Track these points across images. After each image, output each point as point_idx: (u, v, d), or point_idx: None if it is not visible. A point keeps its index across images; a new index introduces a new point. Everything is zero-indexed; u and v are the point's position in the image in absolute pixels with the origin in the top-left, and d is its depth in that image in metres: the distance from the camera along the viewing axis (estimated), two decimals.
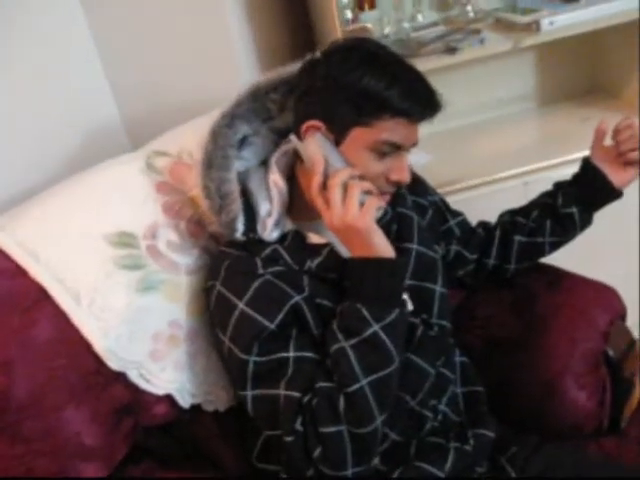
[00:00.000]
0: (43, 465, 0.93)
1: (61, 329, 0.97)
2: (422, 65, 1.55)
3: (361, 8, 1.76)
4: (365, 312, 0.92)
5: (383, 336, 0.92)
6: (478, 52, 1.64)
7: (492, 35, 1.70)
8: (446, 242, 1.26)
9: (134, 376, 1.02)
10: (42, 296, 0.97)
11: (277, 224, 1.03)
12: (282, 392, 0.93)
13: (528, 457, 1.09)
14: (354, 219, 0.92)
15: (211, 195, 1.02)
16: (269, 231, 1.02)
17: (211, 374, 1.10)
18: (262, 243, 1.02)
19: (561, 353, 1.21)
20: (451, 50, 1.61)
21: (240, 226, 1.02)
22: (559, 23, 1.62)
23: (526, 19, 1.66)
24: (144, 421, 1.05)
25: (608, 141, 1.21)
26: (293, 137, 1.00)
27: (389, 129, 0.96)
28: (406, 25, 1.81)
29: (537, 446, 1.11)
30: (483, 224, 1.33)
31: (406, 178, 1.01)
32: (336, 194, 0.93)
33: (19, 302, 0.96)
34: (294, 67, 1.07)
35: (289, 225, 1.05)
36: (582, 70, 2.09)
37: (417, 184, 1.24)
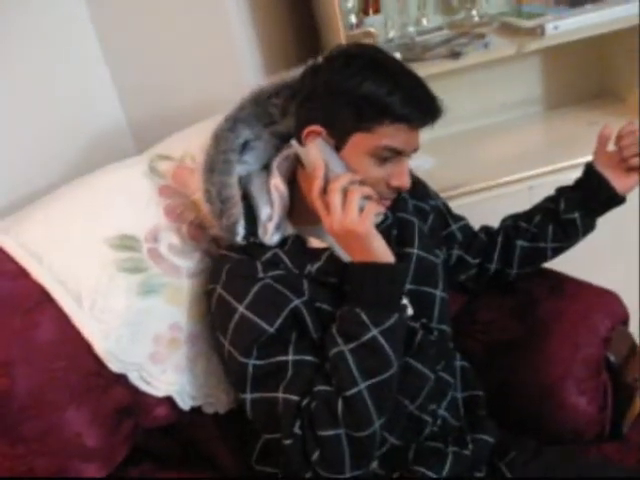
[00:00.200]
0: (43, 465, 0.94)
1: (62, 331, 0.98)
2: (426, 69, 1.57)
3: (366, 12, 1.77)
4: (364, 316, 0.93)
5: (382, 340, 0.92)
6: (482, 56, 1.64)
7: (496, 39, 1.70)
8: (448, 246, 1.26)
9: (134, 378, 1.03)
10: (44, 298, 0.98)
11: (278, 228, 1.04)
12: (281, 395, 0.93)
13: (527, 462, 1.09)
14: (353, 224, 0.93)
15: (212, 199, 1.02)
16: (270, 235, 1.03)
17: (212, 377, 1.10)
18: (263, 247, 1.03)
19: (562, 358, 1.20)
20: (455, 54, 1.61)
21: (241, 230, 1.02)
22: (564, 27, 1.62)
23: (530, 23, 1.66)
24: (144, 423, 1.05)
25: (611, 147, 1.21)
26: (294, 142, 1.00)
27: (390, 135, 0.96)
28: (411, 29, 1.82)
29: (536, 451, 1.11)
30: (485, 229, 1.33)
31: (406, 184, 1.01)
32: (336, 199, 0.94)
33: (21, 303, 0.97)
34: (297, 72, 1.07)
35: (290, 229, 1.06)
36: (589, 74, 2.08)
37: (419, 188, 1.24)
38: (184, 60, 1.52)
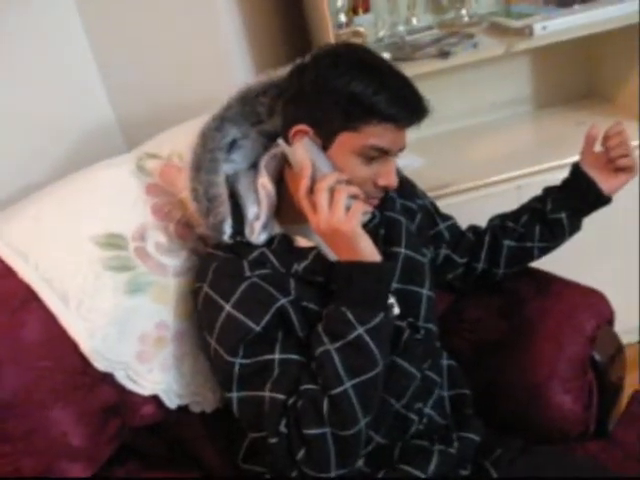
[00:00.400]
0: (29, 464, 0.94)
1: (49, 330, 0.98)
2: (416, 69, 1.58)
3: (355, 12, 1.77)
4: (350, 315, 0.93)
5: (367, 339, 0.92)
6: (471, 56, 1.64)
7: (485, 39, 1.71)
8: (435, 246, 1.27)
9: (121, 377, 1.03)
10: (30, 297, 0.98)
11: (265, 227, 1.04)
12: (267, 394, 0.94)
13: (513, 460, 1.10)
14: (340, 223, 0.93)
15: (199, 198, 1.02)
16: (257, 234, 1.03)
17: (198, 376, 1.10)
18: (249, 246, 1.03)
19: (548, 357, 1.21)
20: (444, 54, 1.62)
21: (227, 229, 1.02)
22: (552, 28, 1.62)
23: (519, 24, 1.66)
24: (131, 422, 1.05)
25: (598, 147, 1.21)
26: (281, 141, 1.00)
27: (376, 134, 0.96)
28: (400, 29, 1.82)
29: (522, 449, 1.12)
30: (473, 228, 1.33)
31: (393, 183, 1.01)
32: (323, 198, 0.94)
33: (7, 303, 0.97)
34: (284, 70, 1.07)
35: (277, 228, 1.06)
36: (577, 74, 2.09)
37: (406, 187, 1.25)
38: (174, 59, 1.52)
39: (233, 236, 1.03)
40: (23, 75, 1.30)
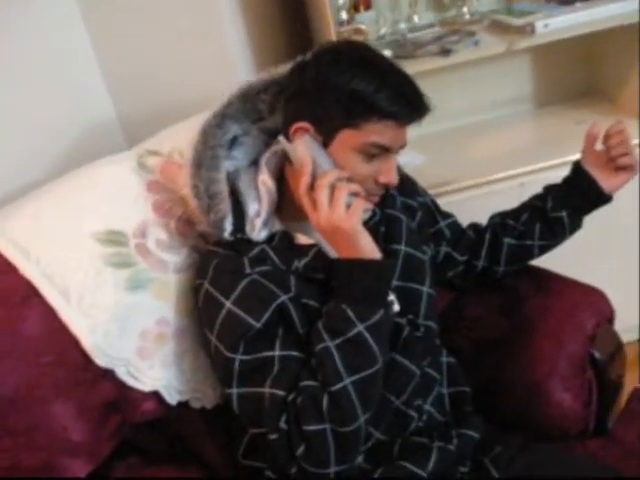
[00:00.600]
0: (29, 459, 0.94)
1: (50, 325, 0.98)
2: (417, 66, 1.58)
3: (357, 9, 1.77)
4: (350, 312, 0.93)
5: (367, 336, 0.92)
6: (472, 54, 1.64)
7: (487, 37, 1.71)
8: (436, 243, 1.27)
9: (122, 373, 1.03)
10: (31, 293, 0.99)
11: (265, 224, 1.04)
12: (267, 390, 0.94)
13: (512, 457, 1.10)
14: (340, 220, 0.93)
15: (200, 195, 1.03)
16: (257, 231, 1.03)
17: (199, 372, 1.11)
18: (250, 243, 1.03)
19: (548, 355, 1.21)
20: (445, 52, 1.62)
21: (228, 226, 1.03)
22: (554, 26, 1.62)
23: (520, 21, 1.66)
24: (131, 417, 1.06)
25: (599, 146, 1.21)
26: (282, 139, 1.00)
27: (377, 131, 0.96)
28: (402, 26, 1.82)
29: (522, 446, 1.12)
30: (474, 226, 1.34)
31: (394, 180, 1.02)
32: (323, 195, 0.94)
33: (8, 298, 0.97)
34: (285, 68, 1.07)
35: (277, 225, 1.06)
36: (578, 73, 2.09)
37: (407, 185, 1.25)
38: (174, 56, 1.52)
39: (234, 233, 1.03)
40: (23, 73, 1.30)
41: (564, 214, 1.23)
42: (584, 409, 1.21)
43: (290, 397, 0.93)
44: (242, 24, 1.63)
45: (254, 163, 1.12)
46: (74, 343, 0.99)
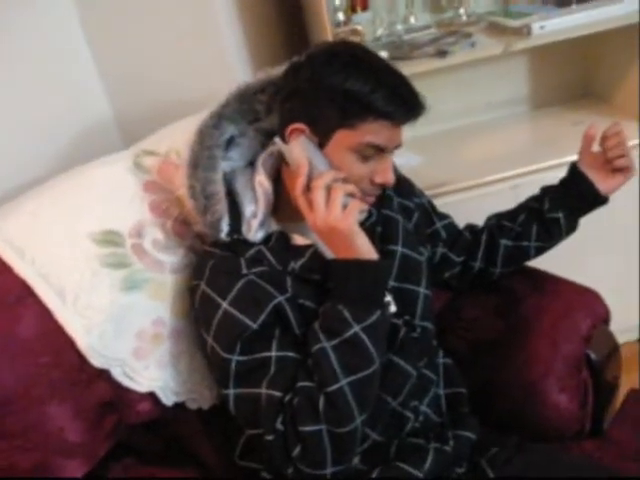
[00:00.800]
0: (25, 460, 0.94)
1: (45, 326, 0.98)
2: (414, 68, 1.58)
3: (353, 10, 1.77)
4: (346, 313, 0.93)
5: (364, 337, 0.92)
6: (468, 55, 1.64)
7: (483, 39, 1.71)
8: (432, 244, 1.27)
9: (117, 373, 1.03)
10: (26, 293, 0.98)
11: (262, 225, 1.04)
12: (264, 391, 0.94)
13: (508, 458, 1.10)
14: (337, 221, 0.93)
15: (196, 195, 1.02)
16: (254, 232, 1.03)
17: (195, 373, 1.10)
18: (246, 244, 1.03)
19: (543, 356, 1.22)
20: (442, 53, 1.62)
21: (225, 227, 1.02)
22: (550, 27, 1.63)
23: (517, 23, 1.67)
24: (127, 418, 1.05)
25: (596, 147, 1.21)
26: (277, 140, 1.00)
27: (373, 131, 0.96)
28: (399, 27, 1.82)
29: (518, 447, 1.12)
30: (470, 227, 1.34)
31: (390, 180, 1.02)
32: (319, 196, 0.94)
33: (3, 298, 0.97)
34: (283, 68, 1.07)
35: (274, 226, 1.06)
36: (574, 74, 2.10)
37: (404, 186, 1.25)
38: (171, 56, 1.52)
39: (230, 234, 1.03)
40: (21, 72, 1.30)
41: (561, 215, 1.24)
42: (580, 410, 1.22)
43: (286, 398, 0.93)
44: (239, 24, 1.63)
45: (250, 164, 1.12)
46: (69, 343, 0.99)
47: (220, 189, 1.03)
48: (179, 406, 1.10)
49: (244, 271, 0.99)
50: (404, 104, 0.97)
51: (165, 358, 1.07)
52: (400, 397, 1.07)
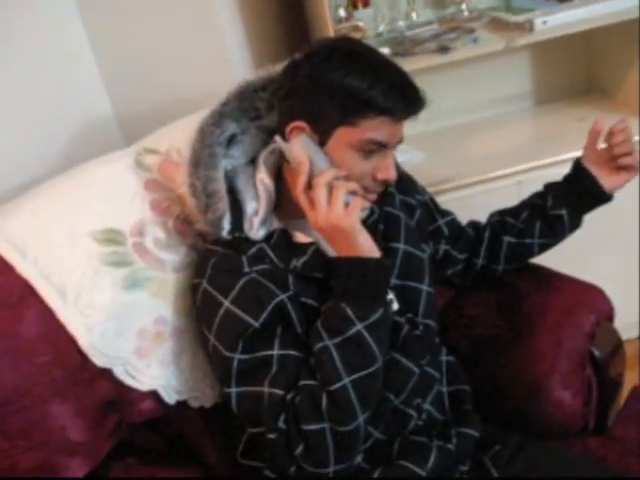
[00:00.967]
0: (27, 459, 0.94)
1: (47, 325, 0.98)
2: (415, 64, 1.57)
3: (355, 6, 1.77)
4: (349, 311, 0.93)
5: (366, 335, 0.92)
6: (471, 51, 1.64)
7: (485, 34, 1.70)
8: (435, 241, 1.27)
9: (119, 372, 1.03)
10: (28, 292, 0.98)
11: (263, 223, 1.04)
12: (266, 390, 0.93)
13: (512, 456, 1.10)
14: (339, 219, 0.93)
15: (197, 193, 1.02)
16: (255, 230, 1.02)
17: (197, 371, 1.10)
18: (248, 241, 1.03)
19: (547, 353, 1.21)
20: (444, 49, 1.61)
21: (226, 225, 1.02)
22: (552, 23, 1.62)
23: (519, 18, 1.66)
24: (129, 417, 1.05)
25: (601, 144, 1.20)
26: (278, 138, 1.00)
27: (374, 128, 0.96)
28: (400, 23, 1.82)
29: (521, 445, 1.12)
30: (473, 224, 1.33)
31: (392, 176, 1.01)
32: (321, 194, 0.94)
33: (5, 298, 0.97)
34: (283, 66, 1.07)
35: (275, 224, 1.06)
36: (578, 70, 2.09)
37: (406, 183, 1.24)
38: (172, 54, 1.52)
39: (232, 232, 1.03)
40: (22, 72, 1.30)
41: (564, 212, 1.23)
42: (584, 407, 1.21)
43: (289, 396, 0.93)
44: (240, 22, 1.62)
45: (252, 161, 1.11)
46: (71, 342, 0.99)
47: (221, 187, 1.03)
48: (181, 404, 1.10)
49: (246, 269, 0.99)
50: (404, 99, 0.96)
51: (167, 356, 1.07)
52: (403, 395, 1.06)
